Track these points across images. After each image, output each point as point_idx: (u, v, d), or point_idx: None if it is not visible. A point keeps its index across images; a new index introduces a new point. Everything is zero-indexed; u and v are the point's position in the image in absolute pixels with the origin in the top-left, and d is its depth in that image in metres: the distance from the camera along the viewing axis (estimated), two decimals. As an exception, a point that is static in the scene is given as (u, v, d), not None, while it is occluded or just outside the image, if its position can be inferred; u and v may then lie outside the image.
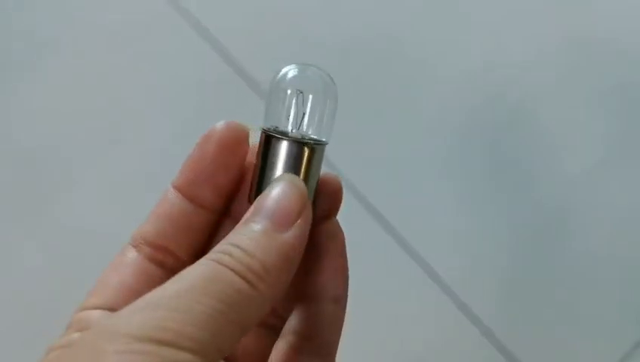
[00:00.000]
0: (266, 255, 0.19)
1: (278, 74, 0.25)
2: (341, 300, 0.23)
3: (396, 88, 0.59)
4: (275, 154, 0.23)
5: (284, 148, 0.23)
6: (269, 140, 0.23)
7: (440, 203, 0.57)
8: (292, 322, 0.23)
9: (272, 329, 0.24)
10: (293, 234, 0.20)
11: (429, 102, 0.58)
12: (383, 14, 0.60)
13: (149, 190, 0.55)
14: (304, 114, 0.24)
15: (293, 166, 0.23)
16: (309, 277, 0.23)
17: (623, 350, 0.54)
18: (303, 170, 0.23)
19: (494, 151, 0.58)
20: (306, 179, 0.23)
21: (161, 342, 0.17)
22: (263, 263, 0.19)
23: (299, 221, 0.20)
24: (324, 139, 0.24)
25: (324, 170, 0.24)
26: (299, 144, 0.23)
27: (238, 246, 0.19)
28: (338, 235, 0.24)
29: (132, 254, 0.24)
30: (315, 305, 0.23)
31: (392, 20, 0.60)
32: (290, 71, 0.25)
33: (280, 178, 0.22)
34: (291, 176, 0.22)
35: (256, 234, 0.20)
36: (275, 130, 0.24)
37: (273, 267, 0.19)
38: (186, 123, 0.57)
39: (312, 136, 0.24)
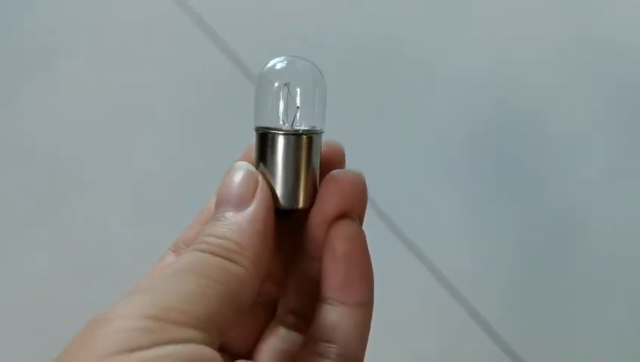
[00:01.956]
0: (235, 234, 0.21)
1: (265, 68, 0.24)
2: (364, 305, 0.22)
3: (402, 91, 0.59)
4: (271, 151, 0.23)
5: (278, 142, 0.23)
6: (264, 137, 0.23)
7: (447, 206, 0.56)
8: (314, 326, 0.23)
9: (301, 333, 0.24)
10: (252, 210, 0.21)
11: (435, 103, 0.58)
12: (388, 16, 0.60)
13: (151, 191, 0.55)
14: (297, 108, 0.24)
15: (291, 158, 0.23)
16: (327, 281, 0.22)
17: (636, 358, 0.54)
18: (302, 161, 0.23)
19: (500, 154, 0.58)
20: (307, 170, 0.23)
21: (157, 318, 0.17)
22: (236, 241, 0.20)
23: (256, 195, 0.22)
24: (318, 129, 0.24)
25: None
26: (293, 136, 0.23)
27: (210, 235, 0.21)
28: (354, 238, 0.22)
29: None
30: (335, 309, 0.22)
31: (396, 21, 0.60)
32: (277, 64, 0.24)
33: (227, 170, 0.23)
34: (237, 164, 0.23)
35: (222, 221, 0.21)
36: (267, 126, 0.24)
37: (247, 243, 0.20)
38: (188, 123, 0.57)
39: (305, 128, 0.24)
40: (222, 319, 0.19)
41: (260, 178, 0.22)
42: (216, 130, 0.56)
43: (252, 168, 0.23)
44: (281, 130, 0.23)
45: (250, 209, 0.21)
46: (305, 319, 0.24)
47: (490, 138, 0.58)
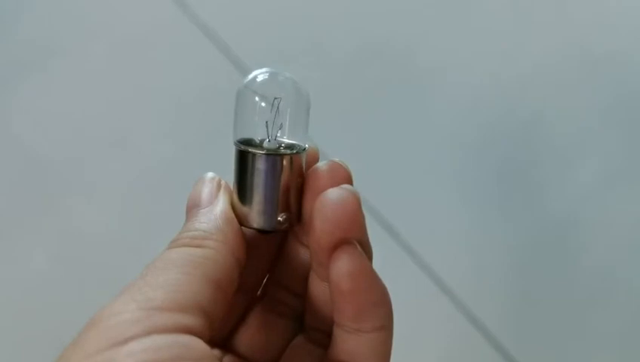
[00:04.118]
0: (202, 224, 0.22)
1: (246, 80, 0.23)
2: (382, 328, 0.22)
3: (402, 94, 0.59)
4: (250, 170, 0.22)
5: (256, 161, 0.22)
6: (242, 155, 0.22)
7: (446, 210, 0.56)
8: (334, 349, 0.22)
9: (325, 349, 0.24)
10: (217, 202, 0.23)
11: (435, 106, 0.58)
12: (392, 20, 0.60)
13: (150, 191, 0.55)
14: (281, 124, 0.23)
15: (269, 178, 0.22)
16: (339, 312, 0.22)
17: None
18: (280, 181, 0.22)
19: (500, 158, 0.58)
20: (285, 190, 0.22)
21: (141, 309, 0.18)
22: (203, 229, 0.22)
23: (220, 193, 0.23)
24: (300, 144, 0.23)
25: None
26: (271, 156, 0.22)
27: (182, 232, 0.22)
28: (356, 273, 0.21)
29: None
30: (352, 336, 0.22)
31: (399, 25, 0.60)
32: (259, 76, 0.23)
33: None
34: (204, 175, 0.24)
35: (191, 221, 0.22)
36: (247, 142, 0.23)
37: (213, 228, 0.22)
38: (187, 124, 0.57)
39: (287, 143, 0.23)
40: (205, 301, 0.19)
41: (225, 184, 0.23)
42: (215, 132, 0.56)
43: (215, 175, 0.24)
44: (261, 148, 0.22)
45: (216, 202, 0.23)
46: (328, 335, 0.23)
47: (490, 142, 0.58)
